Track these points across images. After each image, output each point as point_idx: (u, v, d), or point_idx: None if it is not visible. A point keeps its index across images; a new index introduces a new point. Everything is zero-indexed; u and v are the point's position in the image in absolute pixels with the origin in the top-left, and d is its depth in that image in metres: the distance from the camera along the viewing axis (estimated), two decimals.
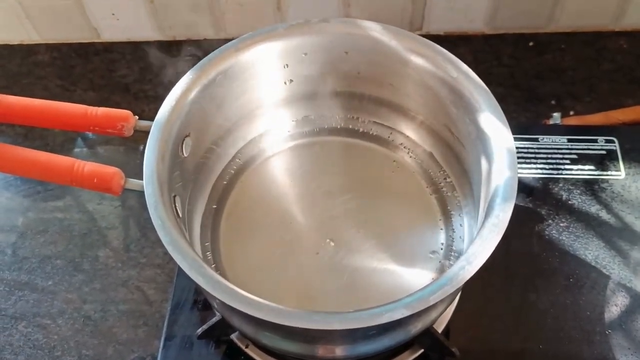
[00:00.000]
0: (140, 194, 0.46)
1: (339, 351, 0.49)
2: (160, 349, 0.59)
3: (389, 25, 0.54)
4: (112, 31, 0.87)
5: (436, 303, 0.41)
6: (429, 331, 0.53)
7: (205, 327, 0.55)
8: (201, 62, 0.53)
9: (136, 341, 0.65)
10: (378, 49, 0.54)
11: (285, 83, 0.59)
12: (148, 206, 0.45)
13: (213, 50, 0.55)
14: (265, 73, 0.57)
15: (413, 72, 0.54)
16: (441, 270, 0.54)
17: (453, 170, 0.58)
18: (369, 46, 0.55)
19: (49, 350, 0.65)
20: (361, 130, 0.62)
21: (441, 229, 0.57)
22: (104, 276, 0.70)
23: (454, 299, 0.56)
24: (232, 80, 0.55)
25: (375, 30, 0.54)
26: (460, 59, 0.53)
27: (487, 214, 0.45)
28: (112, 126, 0.48)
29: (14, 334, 0.67)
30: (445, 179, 0.59)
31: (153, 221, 0.44)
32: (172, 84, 0.55)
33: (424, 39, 0.53)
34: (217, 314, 0.55)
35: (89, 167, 0.46)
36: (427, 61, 0.53)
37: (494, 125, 0.48)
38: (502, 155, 0.47)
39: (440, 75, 0.52)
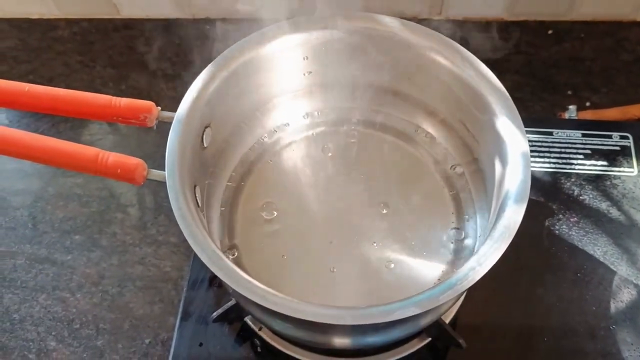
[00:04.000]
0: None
1: (350, 341, 0.51)
2: (176, 328, 0.60)
3: (409, 22, 0.54)
4: (132, 8, 0.88)
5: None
6: (437, 322, 0.54)
7: (220, 311, 0.57)
8: (223, 54, 0.53)
9: (152, 317, 0.67)
10: (397, 45, 0.55)
11: (304, 74, 0.59)
12: (170, 198, 0.46)
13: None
14: (285, 65, 0.57)
15: (432, 69, 0.54)
16: (452, 264, 0.55)
17: (468, 168, 0.58)
18: (389, 42, 0.55)
19: (68, 322, 0.68)
20: (379, 122, 0.63)
21: (453, 224, 0.58)
22: (121, 253, 0.72)
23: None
24: (253, 71, 0.55)
25: (395, 26, 0.54)
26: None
27: (498, 215, 0.46)
28: (135, 117, 0.49)
29: (34, 305, 0.69)
30: (460, 175, 0.59)
31: (174, 213, 0.46)
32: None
33: (443, 36, 0.54)
34: (232, 298, 0.57)
35: (113, 157, 0.47)
36: (445, 59, 0.53)
37: (509, 128, 0.49)
38: (516, 157, 0.47)
39: (458, 73, 0.53)
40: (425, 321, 0.51)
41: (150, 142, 0.78)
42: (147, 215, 0.74)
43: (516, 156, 0.47)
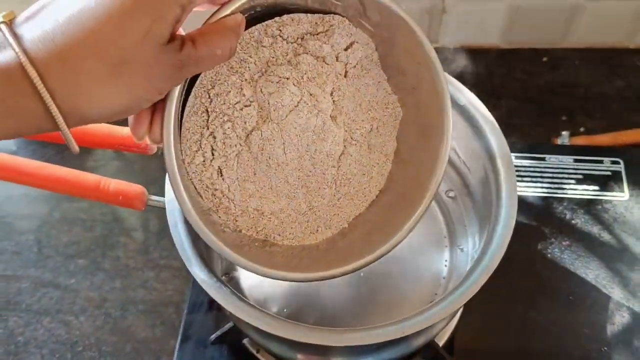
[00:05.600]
0: None
1: None
2: (176, 351, 0.62)
3: None
4: None
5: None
6: (430, 344, 0.55)
7: (218, 333, 0.58)
8: None
9: (153, 340, 0.69)
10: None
11: None
12: (169, 224, 0.48)
13: None
14: None
15: None
16: (445, 286, 0.57)
17: (460, 193, 0.60)
18: None
19: (71, 345, 0.69)
20: None
21: (446, 246, 0.59)
22: (124, 276, 0.73)
23: (455, 315, 0.58)
24: None
25: None
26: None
27: (487, 240, 0.47)
28: (137, 145, 0.51)
29: (39, 328, 0.70)
30: (453, 199, 0.61)
31: (173, 239, 0.47)
32: None
33: None
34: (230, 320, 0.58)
35: (115, 185, 0.49)
36: None
37: (497, 156, 0.50)
38: (504, 184, 0.49)
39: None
40: (417, 343, 0.52)
41: (154, 167, 0.80)
42: (150, 240, 0.76)
43: (504, 183, 0.49)
